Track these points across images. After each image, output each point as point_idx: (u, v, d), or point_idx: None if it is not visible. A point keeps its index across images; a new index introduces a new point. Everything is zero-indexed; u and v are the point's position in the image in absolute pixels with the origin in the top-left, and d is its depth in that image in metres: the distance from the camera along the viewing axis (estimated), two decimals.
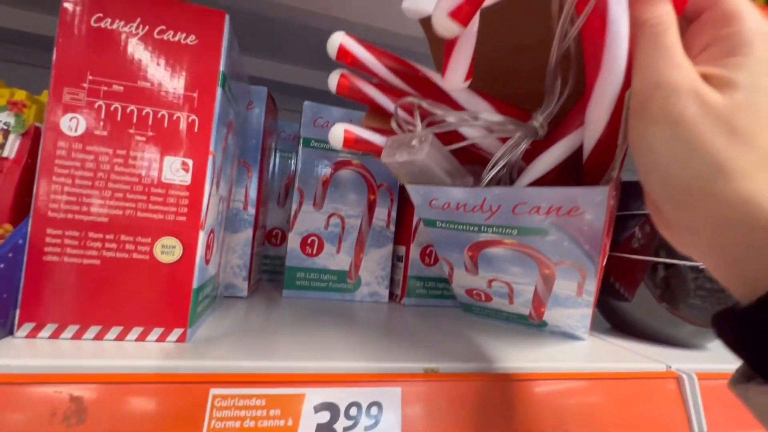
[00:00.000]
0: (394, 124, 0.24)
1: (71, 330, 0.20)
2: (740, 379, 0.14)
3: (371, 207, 0.38)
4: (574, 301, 0.28)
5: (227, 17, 0.23)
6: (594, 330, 0.35)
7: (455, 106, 0.24)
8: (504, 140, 0.23)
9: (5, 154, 0.23)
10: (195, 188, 0.22)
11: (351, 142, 0.26)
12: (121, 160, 0.21)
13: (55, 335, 0.20)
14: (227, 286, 0.34)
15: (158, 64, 0.22)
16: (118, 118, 0.21)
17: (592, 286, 0.26)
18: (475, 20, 0.18)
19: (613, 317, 0.36)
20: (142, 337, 0.21)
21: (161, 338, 0.21)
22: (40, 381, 0.17)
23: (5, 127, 0.24)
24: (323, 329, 0.27)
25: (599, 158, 0.19)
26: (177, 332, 0.22)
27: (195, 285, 0.22)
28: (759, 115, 0.13)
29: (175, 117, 0.22)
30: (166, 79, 0.22)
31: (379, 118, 0.28)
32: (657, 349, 0.31)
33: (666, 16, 0.14)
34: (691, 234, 0.14)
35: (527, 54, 0.23)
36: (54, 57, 0.20)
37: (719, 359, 0.30)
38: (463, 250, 0.29)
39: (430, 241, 0.39)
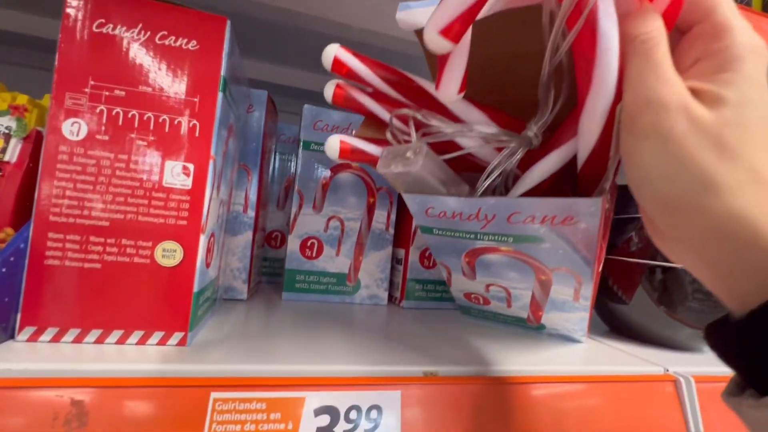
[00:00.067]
0: (389, 135, 0.24)
1: (72, 334, 0.21)
2: (734, 391, 0.14)
3: (371, 210, 0.39)
4: (571, 306, 0.28)
5: (228, 23, 0.23)
6: (592, 332, 0.36)
7: (450, 115, 0.24)
8: (500, 149, 0.23)
9: (7, 158, 0.23)
10: (196, 192, 0.22)
11: (347, 153, 0.26)
12: (122, 165, 0.21)
13: (56, 339, 0.20)
14: (227, 289, 0.35)
15: (160, 69, 0.22)
16: (120, 123, 0.21)
17: (588, 292, 0.26)
18: (468, 33, 0.18)
19: (612, 320, 0.36)
20: (142, 341, 0.21)
21: (162, 342, 0.22)
22: (42, 385, 0.17)
23: (7, 132, 0.24)
24: (323, 332, 0.27)
25: (593, 168, 0.19)
26: (178, 336, 0.22)
27: (195, 289, 0.22)
28: (747, 132, 0.13)
29: (176, 121, 0.22)
30: (167, 83, 0.22)
31: (374, 127, 0.28)
32: (655, 352, 0.31)
33: (656, 31, 0.14)
34: (683, 246, 0.15)
35: (522, 63, 0.23)
36: (56, 62, 0.21)
37: (717, 362, 0.30)
38: (461, 256, 0.29)
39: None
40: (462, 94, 0.21)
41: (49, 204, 0.20)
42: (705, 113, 0.13)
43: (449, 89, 0.20)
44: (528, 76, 0.21)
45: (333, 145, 0.26)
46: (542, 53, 0.17)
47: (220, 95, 0.23)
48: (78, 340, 0.21)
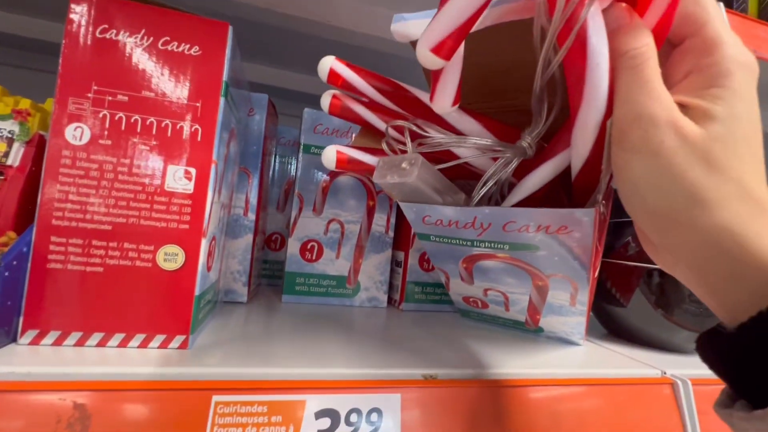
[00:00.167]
0: (384, 145, 0.25)
1: (74, 337, 0.21)
2: (725, 402, 0.14)
3: (370, 213, 0.39)
4: (568, 310, 0.28)
5: (230, 28, 0.23)
6: (590, 335, 0.36)
7: (445, 125, 0.25)
8: (495, 158, 0.23)
9: (9, 162, 0.24)
10: (197, 196, 0.22)
11: (344, 163, 0.26)
12: (125, 169, 0.21)
13: (58, 342, 0.20)
14: (227, 292, 0.35)
15: (162, 74, 0.22)
16: (123, 127, 0.21)
17: (584, 297, 0.26)
18: (460, 48, 0.18)
19: (609, 323, 0.37)
20: (144, 344, 0.21)
21: (163, 345, 0.22)
22: (44, 388, 0.17)
23: (10, 136, 0.24)
24: (323, 335, 0.28)
25: (587, 178, 0.19)
26: (179, 339, 0.22)
27: (197, 292, 0.22)
28: (735, 147, 0.13)
29: (178, 126, 0.22)
30: (170, 88, 0.22)
31: (370, 137, 0.28)
32: (652, 355, 0.31)
33: (645, 47, 0.14)
34: (673, 258, 0.15)
35: (516, 71, 0.23)
36: (60, 67, 0.21)
37: None
38: (458, 262, 0.29)
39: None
40: (455, 107, 0.21)
41: (51, 208, 0.20)
42: (694, 129, 0.13)
43: (443, 102, 0.21)
44: (522, 83, 0.21)
45: (330, 155, 0.26)
46: (534, 62, 0.17)
47: (222, 100, 0.23)
48: (80, 343, 0.21)
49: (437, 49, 0.17)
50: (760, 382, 0.13)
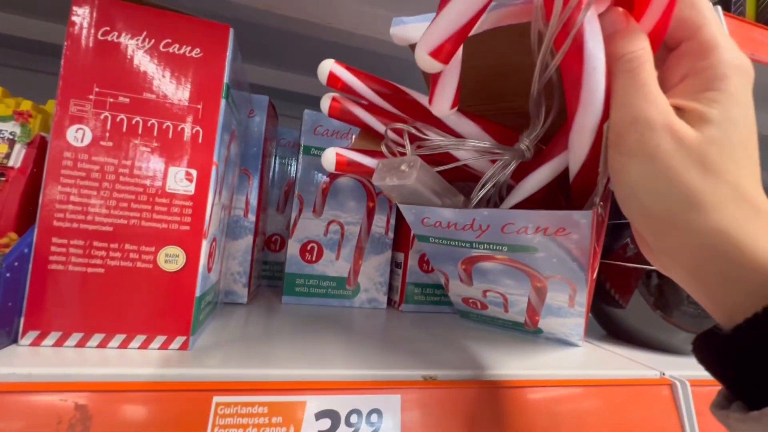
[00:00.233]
0: (384, 148, 0.25)
1: (75, 338, 0.21)
2: (721, 403, 0.14)
3: (370, 214, 0.39)
4: (567, 311, 0.29)
5: (231, 31, 0.23)
6: (589, 336, 0.36)
7: (444, 127, 0.25)
8: (493, 161, 0.23)
9: (11, 163, 0.24)
10: (198, 198, 0.22)
11: (343, 165, 0.26)
12: (126, 170, 0.21)
13: (59, 343, 0.21)
14: (227, 293, 0.35)
15: (164, 77, 0.22)
16: (124, 129, 0.21)
17: (583, 298, 0.27)
18: (459, 52, 0.18)
19: (608, 324, 0.37)
20: (145, 345, 0.22)
21: (164, 346, 0.22)
22: (45, 389, 0.17)
23: (11, 137, 0.24)
24: (323, 336, 0.28)
25: (584, 180, 0.19)
26: (180, 340, 0.22)
27: (198, 293, 0.22)
28: (731, 150, 0.13)
29: (179, 128, 0.22)
30: (171, 90, 0.22)
31: (370, 139, 0.28)
32: (651, 356, 0.31)
33: (641, 51, 0.15)
34: (670, 260, 0.15)
35: (513, 74, 0.24)
36: (61, 69, 0.21)
37: None
38: (457, 264, 0.29)
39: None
40: (454, 109, 0.21)
41: (53, 209, 0.20)
42: (690, 132, 0.13)
43: (442, 105, 0.21)
44: (520, 86, 0.21)
45: (329, 158, 0.26)
46: (532, 65, 0.18)
47: (223, 102, 0.23)
48: (81, 344, 0.21)
49: (436, 53, 0.17)
50: (756, 383, 0.13)
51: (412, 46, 0.19)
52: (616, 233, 0.34)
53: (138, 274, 0.21)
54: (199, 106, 0.22)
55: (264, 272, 0.45)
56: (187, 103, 0.22)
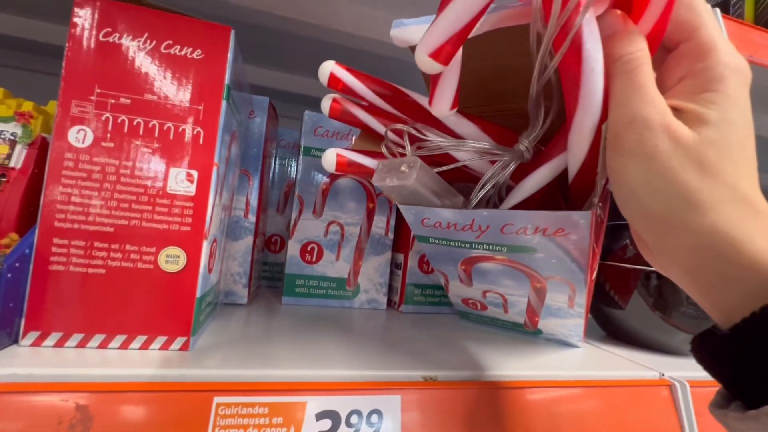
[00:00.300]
0: (384, 149, 0.25)
1: (76, 338, 0.21)
2: (720, 403, 0.14)
3: (370, 215, 0.39)
4: (566, 312, 0.29)
5: (232, 32, 0.23)
6: (589, 337, 0.36)
7: (444, 128, 0.25)
8: (493, 162, 0.23)
9: (12, 164, 0.24)
10: (199, 199, 0.22)
11: (343, 166, 0.26)
12: (127, 171, 0.21)
13: (59, 344, 0.21)
14: (227, 293, 0.35)
15: (165, 78, 0.22)
16: (125, 130, 0.22)
17: (582, 299, 0.27)
18: (458, 53, 0.18)
19: (608, 325, 0.37)
20: (145, 346, 0.22)
21: (164, 347, 0.22)
22: (46, 390, 0.17)
23: (12, 138, 0.24)
24: (323, 337, 0.28)
25: (583, 181, 0.20)
26: (180, 341, 0.22)
27: (198, 294, 0.22)
28: (728, 150, 0.13)
29: (180, 129, 0.22)
30: (172, 92, 0.22)
31: (370, 140, 0.29)
32: (650, 357, 0.31)
33: (639, 52, 0.15)
34: (668, 260, 0.15)
35: (512, 75, 0.24)
36: (63, 70, 0.21)
37: None
38: (457, 264, 0.29)
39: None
40: (454, 110, 0.22)
41: (54, 210, 0.21)
42: (687, 133, 0.13)
43: (442, 106, 0.21)
44: (519, 88, 0.21)
45: (330, 158, 0.26)
46: (531, 67, 0.18)
47: (223, 103, 0.23)
48: (81, 344, 0.21)
49: (436, 54, 0.17)
50: (754, 382, 0.13)
51: (412, 48, 0.19)
52: (615, 234, 0.34)
53: (139, 274, 0.21)
54: (200, 108, 0.23)
55: (264, 273, 0.45)
56: (188, 104, 0.22)
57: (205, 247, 0.23)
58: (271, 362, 0.22)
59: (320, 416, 0.19)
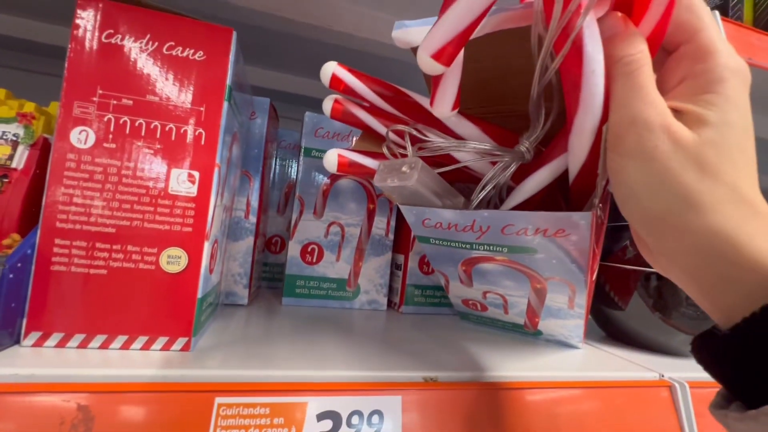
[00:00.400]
0: (385, 149, 0.25)
1: (77, 339, 0.21)
2: (720, 403, 0.14)
3: (371, 216, 0.39)
4: (566, 313, 0.29)
5: (234, 34, 0.24)
6: (589, 338, 0.36)
7: (445, 129, 0.25)
8: (494, 162, 0.23)
9: (14, 164, 0.24)
10: (201, 199, 0.22)
11: (345, 167, 0.27)
12: (129, 172, 0.22)
13: (61, 344, 0.21)
14: (227, 294, 0.35)
15: (167, 79, 0.22)
16: (127, 131, 0.22)
17: (582, 300, 0.27)
18: (460, 55, 0.19)
19: (608, 326, 0.37)
20: (147, 346, 0.22)
21: (166, 347, 0.22)
22: (48, 390, 0.17)
23: (14, 138, 0.24)
24: (323, 337, 0.28)
25: (584, 182, 0.20)
26: (181, 341, 0.22)
27: (199, 294, 0.22)
28: (728, 152, 0.13)
29: (182, 130, 0.22)
30: (174, 93, 0.22)
31: (371, 141, 0.29)
32: (650, 358, 0.31)
33: (639, 54, 0.15)
34: (668, 260, 0.15)
35: (513, 76, 0.24)
36: (65, 71, 0.21)
37: None
38: (457, 265, 0.29)
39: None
40: (455, 111, 0.22)
41: (56, 210, 0.21)
42: (687, 134, 0.14)
43: (443, 107, 0.21)
44: (520, 89, 0.22)
45: (331, 159, 0.26)
46: (532, 68, 0.18)
47: (225, 104, 0.23)
48: (83, 345, 0.21)
49: (437, 56, 0.17)
50: (754, 382, 0.13)
51: (414, 49, 0.19)
52: (615, 235, 0.34)
53: (140, 275, 0.21)
54: (201, 109, 0.23)
55: (264, 274, 0.45)
56: (189, 106, 0.22)
57: (207, 247, 0.23)
58: (272, 363, 0.22)
59: (321, 417, 0.19)
